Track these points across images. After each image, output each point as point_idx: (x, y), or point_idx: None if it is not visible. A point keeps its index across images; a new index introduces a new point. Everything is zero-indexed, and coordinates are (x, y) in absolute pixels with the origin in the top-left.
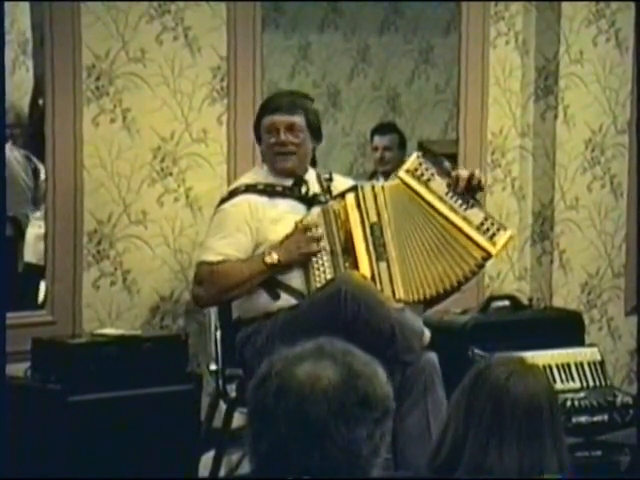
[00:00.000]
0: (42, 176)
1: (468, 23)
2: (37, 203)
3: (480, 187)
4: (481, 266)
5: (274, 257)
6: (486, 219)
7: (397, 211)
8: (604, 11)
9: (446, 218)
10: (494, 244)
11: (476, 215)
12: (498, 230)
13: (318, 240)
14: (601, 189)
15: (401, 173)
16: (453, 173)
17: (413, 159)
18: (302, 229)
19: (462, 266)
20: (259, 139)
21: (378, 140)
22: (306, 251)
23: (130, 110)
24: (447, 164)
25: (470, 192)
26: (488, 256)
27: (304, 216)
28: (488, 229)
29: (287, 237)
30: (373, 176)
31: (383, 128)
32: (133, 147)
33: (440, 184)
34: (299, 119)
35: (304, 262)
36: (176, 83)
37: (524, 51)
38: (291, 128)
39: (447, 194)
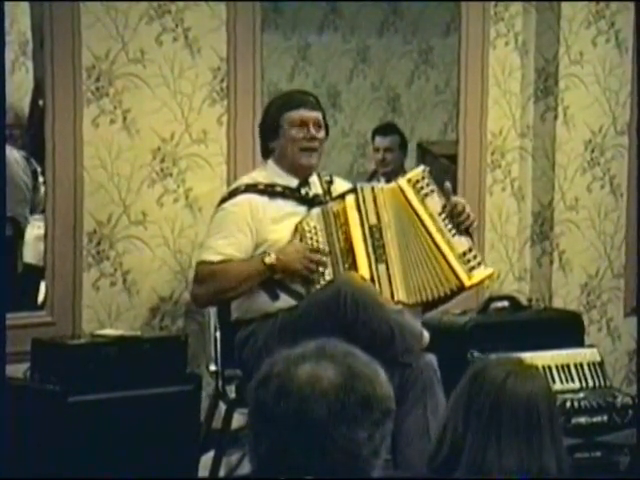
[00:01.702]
0: (41, 179)
1: (468, 24)
2: (36, 206)
3: (466, 225)
4: (453, 293)
5: (273, 258)
6: (470, 250)
7: (393, 214)
8: (604, 12)
9: (432, 237)
10: (470, 277)
11: (461, 244)
12: (479, 264)
13: (319, 259)
14: (601, 190)
15: (401, 181)
16: (453, 198)
17: (418, 171)
18: (307, 242)
19: (437, 286)
20: (272, 136)
21: (379, 141)
22: (306, 267)
23: (130, 111)
24: (449, 185)
25: (462, 222)
26: (461, 286)
27: (304, 217)
28: (469, 260)
29: (290, 243)
30: (373, 176)
31: (384, 129)
32: (133, 148)
33: (436, 203)
34: (321, 115)
35: (301, 272)
36: (176, 84)
37: (524, 52)
38: (317, 124)
39: (440, 215)
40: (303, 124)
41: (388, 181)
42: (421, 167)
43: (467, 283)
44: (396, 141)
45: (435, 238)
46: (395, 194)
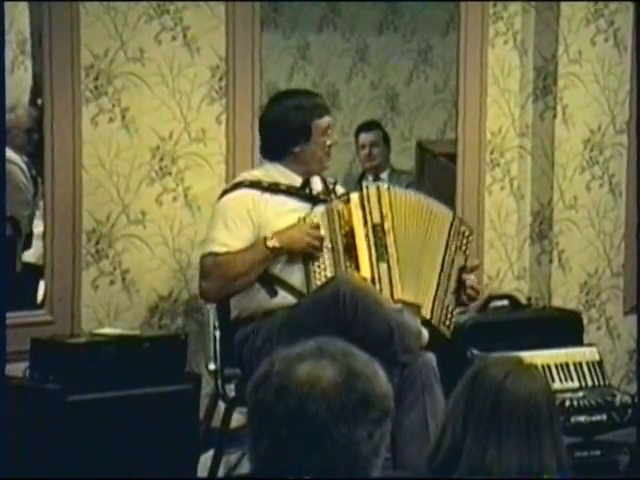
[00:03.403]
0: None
1: (467, 23)
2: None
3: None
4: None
5: (276, 241)
6: (451, 311)
7: (399, 218)
8: (603, 11)
9: (442, 269)
10: (429, 316)
11: (451, 302)
12: (443, 323)
13: (321, 240)
14: (600, 189)
15: (457, 217)
16: (472, 276)
17: (469, 230)
18: (307, 225)
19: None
20: (298, 140)
21: (364, 137)
22: (309, 245)
23: (129, 110)
24: (477, 263)
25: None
26: (414, 305)
27: (308, 214)
28: (446, 311)
29: (292, 226)
30: (362, 177)
31: (367, 125)
32: (132, 147)
33: (460, 260)
34: None
35: (304, 253)
36: (175, 83)
37: (523, 51)
38: (332, 128)
39: (458, 269)
40: (330, 131)
41: (376, 177)
42: (472, 231)
43: (423, 312)
44: (380, 136)
45: (443, 270)
46: (445, 219)
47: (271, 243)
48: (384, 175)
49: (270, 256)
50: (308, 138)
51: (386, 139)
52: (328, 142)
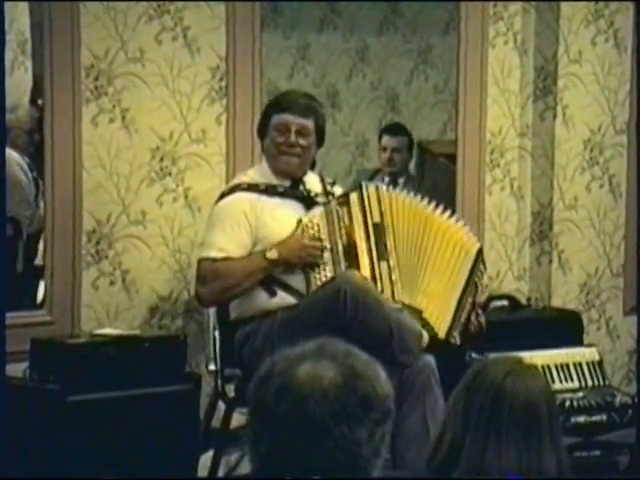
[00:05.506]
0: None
1: (467, 23)
2: (39, 219)
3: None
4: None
5: (275, 253)
6: (457, 339)
7: (399, 218)
8: (603, 11)
9: (464, 292)
10: (443, 337)
11: (460, 332)
12: (453, 332)
13: (322, 250)
14: (600, 189)
15: (480, 253)
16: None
17: (485, 267)
18: (307, 234)
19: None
20: (262, 135)
21: (387, 140)
22: (309, 258)
23: (129, 110)
24: (483, 299)
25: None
26: (416, 310)
27: (306, 214)
28: (454, 339)
29: (291, 236)
30: (375, 175)
31: (393, 129)
32: (132, 147)
33: (474, 294)
34: (310, 123)
35: (304, 264)
36: (175, 83)
37: (523, 51)
38: (302, 131)
39: (471, 303)
40: (285, 129)
41: (393, 181)
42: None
43: (440, 334)
44: (404, 142)
45: (461, 303)
46: (471, 248)
47: (270, 255)
48: (401, 181)
49: (269, 267)
50: (263, 133)
51: (410, 145)
52: (280, 139)
